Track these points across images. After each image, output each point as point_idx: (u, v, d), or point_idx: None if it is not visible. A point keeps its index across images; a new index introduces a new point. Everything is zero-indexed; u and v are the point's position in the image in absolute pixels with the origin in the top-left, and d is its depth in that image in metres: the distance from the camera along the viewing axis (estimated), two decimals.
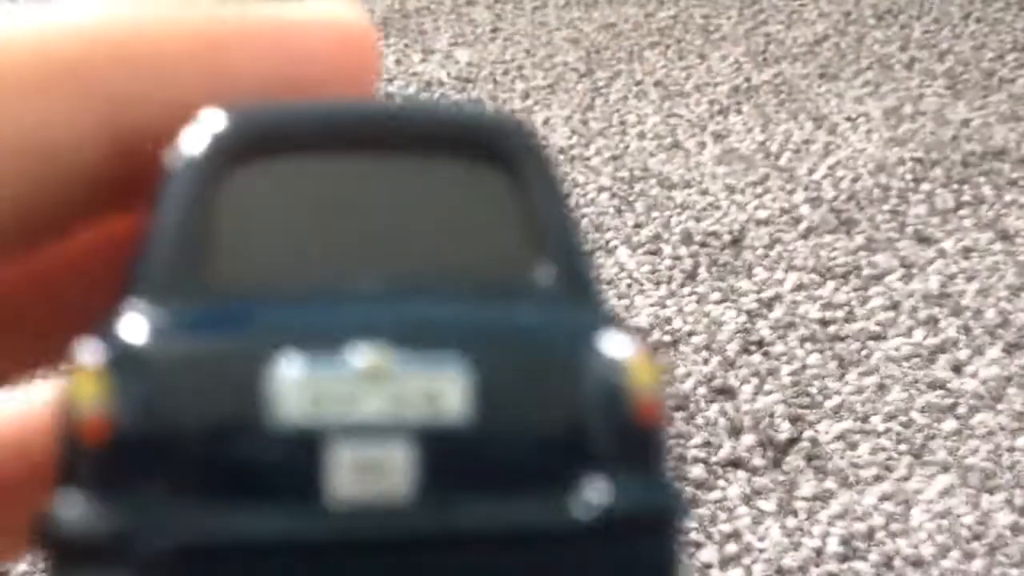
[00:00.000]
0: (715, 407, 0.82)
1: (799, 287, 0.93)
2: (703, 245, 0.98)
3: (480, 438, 0.16)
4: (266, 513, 0.16)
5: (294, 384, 0.16)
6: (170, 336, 0.16)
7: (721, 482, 0.76)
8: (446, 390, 0.16)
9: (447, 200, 0.17)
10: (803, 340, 0.88)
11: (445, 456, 0.16)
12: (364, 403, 0.16)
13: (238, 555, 0.16)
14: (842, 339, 0.88)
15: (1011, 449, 0.78)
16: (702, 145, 1.11)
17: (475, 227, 0.17)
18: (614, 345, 0.16)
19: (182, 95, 0.18)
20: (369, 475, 0.15)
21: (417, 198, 0.17)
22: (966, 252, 0.96)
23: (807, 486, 0.76)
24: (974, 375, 0.84)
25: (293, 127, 0.17)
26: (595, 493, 0.15)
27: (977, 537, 0.72)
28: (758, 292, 0.93)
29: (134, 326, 0.16)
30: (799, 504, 0.75)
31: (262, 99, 0.18)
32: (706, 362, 0.86)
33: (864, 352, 0.86)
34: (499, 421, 0.16)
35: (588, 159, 1.10)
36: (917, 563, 0.71)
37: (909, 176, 1.05)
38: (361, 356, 0.16)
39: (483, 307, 0.17)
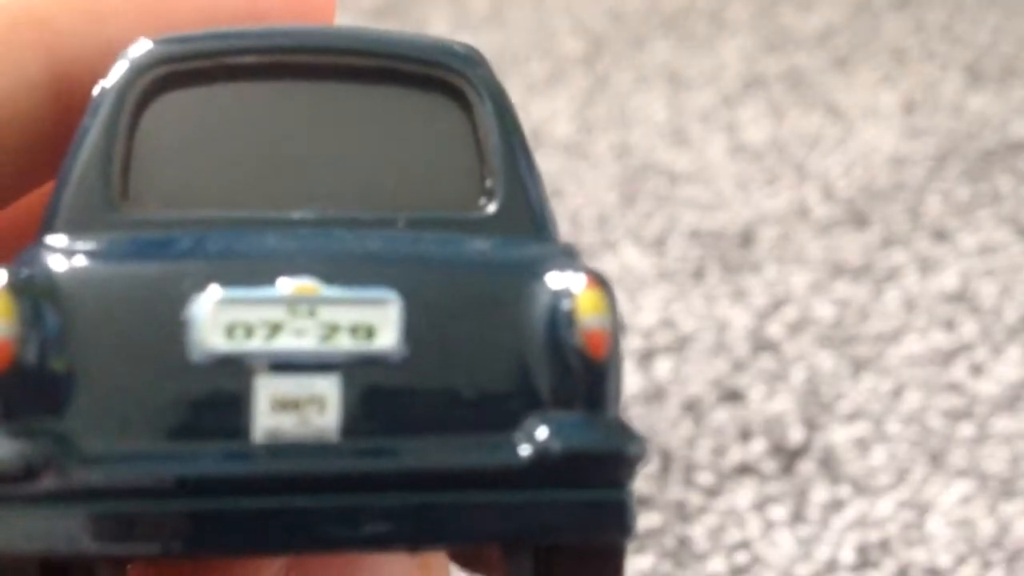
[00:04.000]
0: (724, 411, 0.82)
1: (811, 286, 0.93)
2: (711, 241, 0.97)
3: (413, 372, 0.15)
4: (186, 448, 0.15)
5: (216, 312, 0.15)
6: (84, 264, 0.15)
7: (730, 489, 0.76)
8: (378, 322, 0.15)
9: (393, 128, 0.16)
10: (815, 341, 0.87)
11: (376, 390, 0.15)
12: (290, 333, 0.15)
13: (154, 492, 0.15)
14: (856, 340, 0.87)
15: None
16: (710, 138, 1.11)
17: (422, 157, 0.16)
18: (560, 277, 0.15)
19: (120, 34, 0.17)
20: (295, 409, 0.15)
21: (361, 126, 0.16)
22: (984, 249, 0.96)
23: (819, 493, 0.75)
24: (993, 378, 0.84)
25: (225, 52, 0.16)
26: (536, 430, 0.15)
27: (996, 545, 0.72)
28: (768, 291, 0.92)
29: (45, 254, 0.15)
30: (811, 512, 0.74)
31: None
32: (714, 364, 0.86)
33: (878, 354, 0.86)
34: (434, 355, 0.15)
35: (592, 152, 1.09)
36: (934, 573, 0.70)
37: (925, 170, 1.05)
38: (288, 285, 0.15)
39: (423, 238, 0.16)
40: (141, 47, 0.16)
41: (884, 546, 0.72)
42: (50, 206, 0.16)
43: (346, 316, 0.15)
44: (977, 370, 0.84)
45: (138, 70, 0.16)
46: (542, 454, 0.15)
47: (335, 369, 0.15)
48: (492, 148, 0.17)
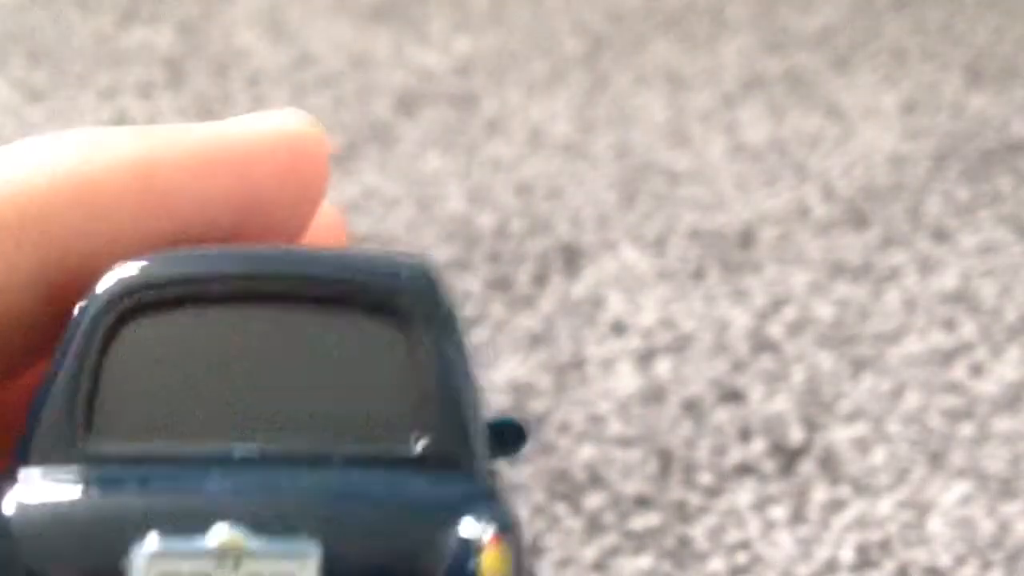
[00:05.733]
0: (724, 411, 0.82)
1: (811, 286, 0.93)
2: (711, 241, 0.98)
3: None
4: None
5: (150, 562, 0.16)
6: (36, 503, 0.17)
7: (730, 489, 0.76)
8: (298, 572, 0.17)
9: (339, 358, 0.18)
10: (815, 341, 0.87)
11: None
12: None
13: None
14: (856, 340, 0.87)
15: None
16: (710, 138, 1.11)
17: (362, 388, 0.18)
18: (470, 528, 0.17)
19: (116, 228, 0.18)
20: None
21: (309, 355, 0.18)
22: (984, 249, 0.96)
23: (820, 493, 0.76)
24: (993, 378, 0.84)
25: (191, 279, 0.18)
26: None
27: (996, 545, 0.72)
28: (768, 291, 0.92)
29: (3, 486, 0.17)
30: (811, 512, 0.75)
31: (192, 238, 0.18)
32: (714, 364, 0.86)
33: (878, 354, 0.86)
34: None
35: (592, 152, 1.09)
36: (934, 573, 0.70)
37: (925, 170, 1.05)
38: (216, 536, 0.17)
39: (348, 482, 0.17)
40: (119, 271, 0.17)
41: (884, 546, 0.72)
42: (22, 436, 0.17)
43: (269, 567, 0.16)
44: (977, 370, 0.84)
45: (110, 299, 0.17)
46: None
47: None
48: (430, 380, 0.17)
